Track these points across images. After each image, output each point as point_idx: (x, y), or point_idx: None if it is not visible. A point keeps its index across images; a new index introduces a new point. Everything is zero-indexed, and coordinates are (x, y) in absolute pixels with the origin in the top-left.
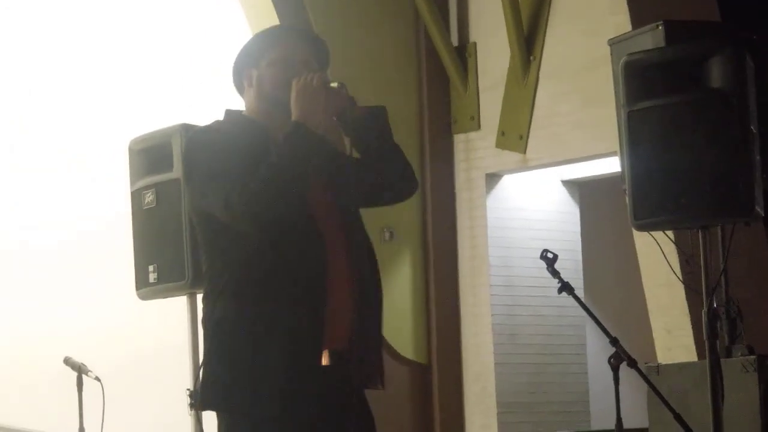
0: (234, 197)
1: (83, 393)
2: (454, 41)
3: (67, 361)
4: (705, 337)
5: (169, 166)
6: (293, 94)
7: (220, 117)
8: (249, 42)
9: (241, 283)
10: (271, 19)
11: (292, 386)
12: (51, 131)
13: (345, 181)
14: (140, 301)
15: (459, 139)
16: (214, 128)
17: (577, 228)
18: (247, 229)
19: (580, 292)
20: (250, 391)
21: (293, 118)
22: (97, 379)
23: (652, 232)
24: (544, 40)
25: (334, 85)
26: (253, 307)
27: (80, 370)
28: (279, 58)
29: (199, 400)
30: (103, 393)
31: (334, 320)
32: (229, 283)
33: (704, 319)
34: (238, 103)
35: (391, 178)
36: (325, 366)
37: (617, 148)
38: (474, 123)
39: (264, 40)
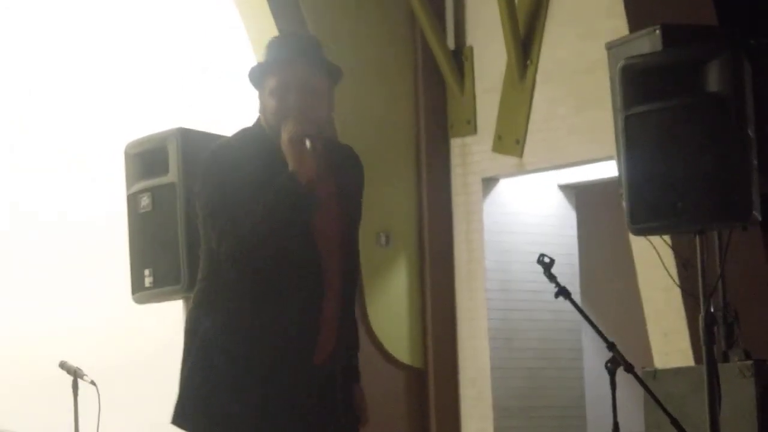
0: (227, 237)
1: (78, 397)
2: (451, 45)
3: (63, 366)
4: (702, 341)
5: (165, 170)
6: (283, 145)
7: (218, 120)
8: (253, 67)
9: (236, 297)
10: (268, 24)
11: (274, 408)
12: (51, 132)
13: None
14: (137, 304)
15: (455, 143)
16: (230, 150)
17: (574, 232)
18: (237, 263)
19: (576, 297)
20: (231, 412)
21: (289, 168)
22: (93, 383)
23: (649, 237)
24: (540, 44)
25: (308, 144)
26: (244, 321)
27: (75, 374)
28: (276, 86)
29: (178, 417)
30: (99, 397)
31: (323, 337)
32: (222, 295)
33: (701, 323)
34: (235, 107)
35: None
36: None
37: (614, 152)
38: (470, 127)
39: (268, 61)
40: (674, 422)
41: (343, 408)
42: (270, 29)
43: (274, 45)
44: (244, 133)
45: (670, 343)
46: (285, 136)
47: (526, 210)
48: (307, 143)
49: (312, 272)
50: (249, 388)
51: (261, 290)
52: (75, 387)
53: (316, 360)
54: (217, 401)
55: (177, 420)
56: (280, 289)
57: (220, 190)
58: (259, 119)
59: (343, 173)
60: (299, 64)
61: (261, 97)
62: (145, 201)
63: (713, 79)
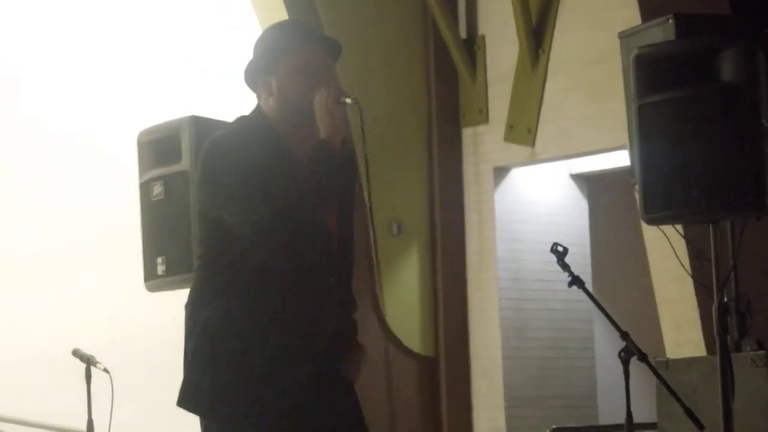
0: (262, 216)
1: (92, 385)
2: (463, 34)
3: (76, 353)
4: (715, 332)
5: (178, 158)
6: (318, 111)
7: (229, 109)
8: (263, 46)
9: (243, 284)
10: (279, 9)
11: (278, 392)
12: (61, 121)
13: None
14: (149, 292)
15: (467, 133)
16: (234, 138)
17: (586, 222)
18: (271, 244)
19: (588, 287)
20: (236, 401)
21: (321, 135)
22: (106, 370)
23: (661, 227)
24: (553, 34)
25: (348, 100)
26: (250, 308)
27: (89, 361)
28: (298, 65)
29: (183, 399)
30: (112, 385)
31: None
32: (231, 282)
33: (715, 314)
34: (247, 96)
35: None
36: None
37: (626, 141)
38: (482, 116)
39: (280, 45)
40: (687, 412)
41: (342, 389)
42: (282, 18)
43: (279, 30)
44: (244, 121)
45: (682, 333)
46: (320, 101)
47: (538, 199)
48: (348, 101)
49: (326, 258)
50: (253, 368)
51: (272, 275)
52: (88, 375)
53: (318, 346)
54: (221, 382)
55: (182, 402)
56: (290, 273)
57: (232, 175)
58: (258, 108)
59: (335, 167)
60: (314, 43)
61: (274, 81)
62: (157, 189)
63: (727, 69)
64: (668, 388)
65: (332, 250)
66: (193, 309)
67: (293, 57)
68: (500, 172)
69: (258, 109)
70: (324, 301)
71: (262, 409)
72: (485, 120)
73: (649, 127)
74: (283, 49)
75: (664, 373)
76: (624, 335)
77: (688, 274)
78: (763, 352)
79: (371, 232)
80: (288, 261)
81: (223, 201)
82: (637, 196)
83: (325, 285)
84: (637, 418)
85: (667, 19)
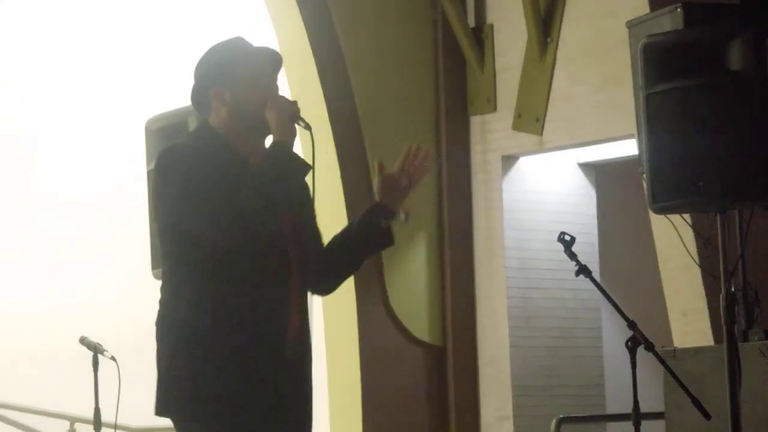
0: (222, 218)
1: (99, 372)
2: (471, 22)
3: (83, 341)
4: (723, 321)
5: None
6: (273, 116)
7: None
8: (214, 61)
9: (212, 279)
10: (290, 5)
11: (254, 385)
12: (65, 109)
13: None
14: (156, 280)
15: (475, 121)
16: (185, 146)
17: (593, 211)
18: (230, 246)
19: (596, 276)
20: (216, 401)
21: (275, 139)
22: (113, 358)
23: (669, 216)
24: (561, 22)
25: (301, 124)
26: (224, 302)
27: (96, 349)
28: (252, 77)
29: (162, 407)
30: (119, 372)
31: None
32: (200, 283)
33: (722, 303)
34: None
35: None
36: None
37: (634, 130)
38: (490, 105)
39: (232, 58)
40: (694, 401)
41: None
42: (291, 9)
43: (229, 45)
44: (192, 134)
45: (690, 322)
46: (276, 109)
47: (546, 188)
48: (302, 125)
49: (281, 252)
50: (229, 368)
51: (240, 271)
52: (95, 362)
53: (288, 341)
54: (201, 384)
55: (161, 410)
56: (256, 270)
57: (195, 175)
58: (204, 122)
59: (294, 168)
60: (263, 55)
61: (227, 91)
62: None
63: (735, 58)
64: (675, 377)
65: (288, 249)
66: (165, 310)
67: (246, 68)
68: (508, 161)
69: (203, 123)
70: (286, 298)
71: (244, 407)
72: (493, 108)
73: (656, 117)
74: (237, 61)
75: (671, 362)
76: (631, 324)
77: (696, 263)
78: None
79: None
80: (249, 261)
81: (182, 205)
82: (645, 185)
83: (286, 283)
84: (645, 408)
85: (676, 8)
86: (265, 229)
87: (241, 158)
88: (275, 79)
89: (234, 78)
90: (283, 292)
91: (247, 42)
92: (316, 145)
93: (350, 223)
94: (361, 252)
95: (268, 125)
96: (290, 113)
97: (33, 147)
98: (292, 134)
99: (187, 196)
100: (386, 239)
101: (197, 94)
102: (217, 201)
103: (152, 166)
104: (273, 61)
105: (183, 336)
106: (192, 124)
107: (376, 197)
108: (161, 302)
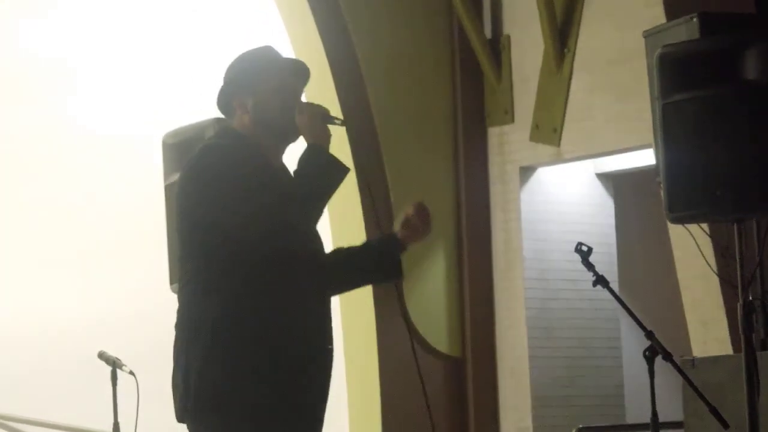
0: (266, 223)
1: (117, 387)
2: (488, 34)
3: (102, 356)
4: (741, 330)
5: None
6: (304, 121)
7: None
8: (239, 68)
9: (252, 282)
10: (305, 17)
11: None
12: (86, 121)
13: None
14: (175, 294)
15: (493, 133)
16: (226, 146)
17: (612, 221)
18: (272, 244)
19: (614, 286)
20: (260, 402)
21: (308, 142)
22: (132, 373)
23: (687, 225)
24: (578, 33)
25: (337, 121)
26: (266, 305)
27: (114, 364)
28: (276, 87)
29: (192, 412)
30: (138, 387)
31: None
32: (233, 280)
33: (740, 312)
34: None
35: None
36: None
37: (652, 140)
38: (508, 116)
39: (258, 68)
40: (713, 411)
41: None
42: (307, 20)
43: (257, 54)
44: (223, 135)
45: (709, 331)
46: (306, 113)
47: (564, 199)
48: (337, 121)
49: (320, 258)
50: (277, 376)
51: (280, 275)
52: (114, 377)
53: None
54: (245, 391)
55: (194, 416)
56: (300, 274)
57: (238, 175)
58: (229, 127)
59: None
60: (295, 67)
61: (250, 100)
62: None
63: (751, 67)
64: (693, 386)
65: (323, 249)
66: (194, 310)
67: (271, 78)
68: (526, 172)
69: (229, 127)
70: (328, 305)
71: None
72: (511, 120)
73: (672, 126)
74: (261, 70)
75: (690, 371)
76: (649, 334)
77: (714, 272)
78: None
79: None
80: (290, 265)
81: (221, 204)
82: (662, 195)
83: (324, 290)
84: (665, 417)
85: (692, 18)
86: (307, 240)
87: (269, 161)
88: (300, 91)
89: (257, 86)
90: (325, 300)
91: (275, 51)
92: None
93: (363, 245)
94: (367, 277)
95: (291, 133)
96: (322, 114)
97: (49, 161)
98: (327, 136)
99: (228, 198)
100: (397, 272)
101: (223, 100)
102: (260, 203)
103: (170, 180)
104: (299, 71)
105: (219, 337)
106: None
107: (396, 228)
108: (186, 302)
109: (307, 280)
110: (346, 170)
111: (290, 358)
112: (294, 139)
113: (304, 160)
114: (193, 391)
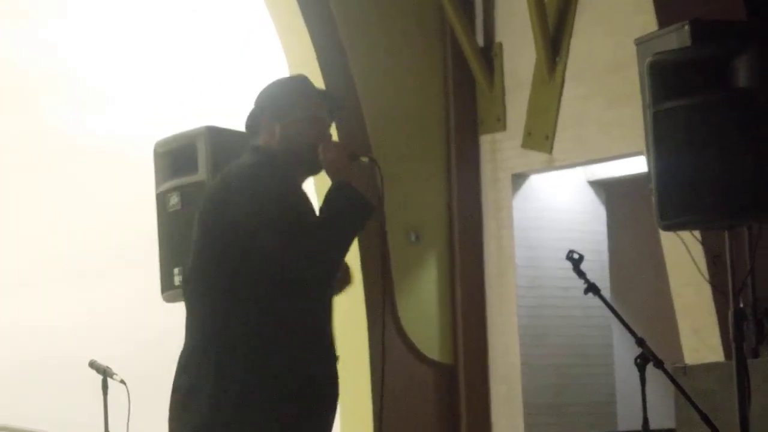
0: (294, 235)
1: (108, 396)
2: (480, 42)
3: (92, 365)
4: (731, 338)
5: (194, 169)
6: (330, 159)
7: (242, 119)
8: (271, 94)
9: (270, 296)
10: (298, 25)
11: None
12: (78, 130)
13: None
14: (166, 303)
15: (485, 140)
16: (261, 165)
17: (604, 228)
18: (299, 259)
19: (606, 293)
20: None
21: (333, 179)
22: (122, 382)
23: (678, 232)
24: (569, 41)
25: (364, 159)
26: (275, 317)
27: (105, 373)
28: (303, 119)
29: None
30: (129, 396)
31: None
32: (256, 294)
33: (731, 319)
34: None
35: None
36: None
37: (643, 148)
38: (500, 123)
39: (290, 97)
40: (704, 418)
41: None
42: (300, 28)
43: (290, 83)
44: (260, 156)
45: (701, 339)
46: (333, 151)
47: (556, 206)
48: (365, 159)
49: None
50: (300, 397)
51: (301, 296)
52: (105, 386)
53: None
54: (260, 413)
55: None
56: (316, 293)
57: (272, 199)
58: (260, 150)
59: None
60: (321, 99)
61: (278, 127)
62: (174, 200)
63: (742, 74)
64: (684, 394)
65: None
66: (216, 324)
67: (301, 109)
68: (518, 179)
69: (259, 148)
70: (330, 307)
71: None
72: (503, 127)
73: (663, 134)
74: (292, 100)
75: (682, 378)
76: (640, 342)
77: (706, 279)
78: None
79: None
80: (309, 275)
81: (261, 220)
82: (653, 202)
83: (331, 310)
84: (657, 424)
85: (683, 26)
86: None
87: (301, 189)
88: (326, 124)
89: (287, 116)
90: (330, 319)
91: (310, 83)
92: (384, 180)
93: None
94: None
95: (313, 166)
96: (349, 152)
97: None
98: (350, 175)
99: (268, 216)
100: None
101: (252, 121)
102: (291, 223)
103: (162, 188)
104: (331, 105)
105: (240, 353)
106: (201, 147)
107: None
108: (203, 315)
109: (327, 304)
110: (372, 208)
111: (322, 388)
112: (315, 172)
113: (335, 199)
114: (206, 413)
